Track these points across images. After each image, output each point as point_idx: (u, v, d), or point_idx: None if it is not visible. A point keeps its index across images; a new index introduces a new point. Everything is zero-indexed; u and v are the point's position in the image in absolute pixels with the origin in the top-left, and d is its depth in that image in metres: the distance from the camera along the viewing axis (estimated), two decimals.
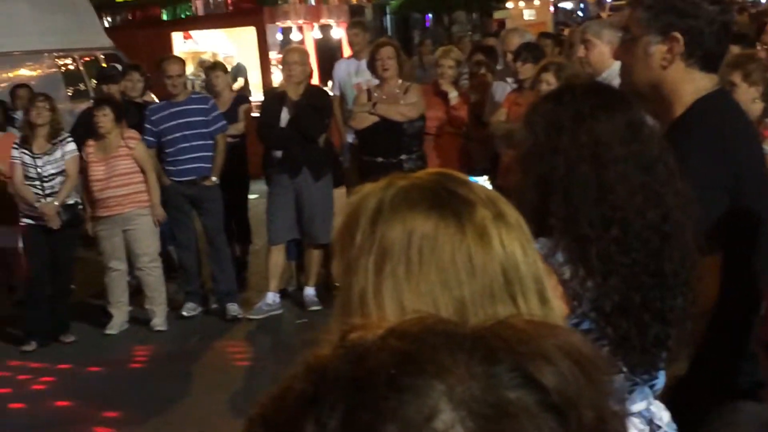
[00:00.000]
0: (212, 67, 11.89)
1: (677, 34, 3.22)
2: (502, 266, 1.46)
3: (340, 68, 11.65)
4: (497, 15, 39.01)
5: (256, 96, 15.41)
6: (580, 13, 50.80)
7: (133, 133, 9.76)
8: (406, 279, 1.45)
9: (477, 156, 9.74)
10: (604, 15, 36.22)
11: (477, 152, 9.77)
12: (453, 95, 9.89)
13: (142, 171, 9.60)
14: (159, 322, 9.76)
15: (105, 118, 9.53)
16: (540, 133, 2.65)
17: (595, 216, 2.55)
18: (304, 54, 10.27)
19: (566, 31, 23.80)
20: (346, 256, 1.52)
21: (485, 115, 9.49)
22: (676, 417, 2.70)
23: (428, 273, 1.45)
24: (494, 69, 10.72)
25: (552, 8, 43.48)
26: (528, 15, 37.58)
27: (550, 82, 7.21)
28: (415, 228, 1.47)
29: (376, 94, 9.67)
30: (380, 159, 9.37)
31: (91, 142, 9.63)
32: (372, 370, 0.84)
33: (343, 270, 1.52)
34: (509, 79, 9.34)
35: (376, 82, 9.79)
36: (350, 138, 10.42)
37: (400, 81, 9.76)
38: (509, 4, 40.25)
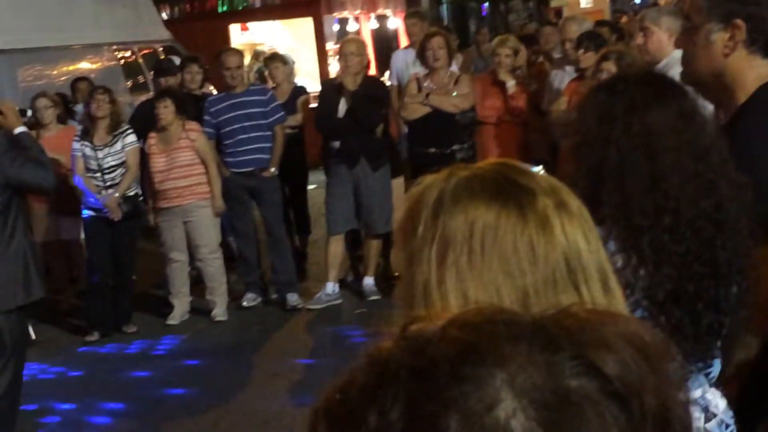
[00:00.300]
0: (271, 58, 11.92)
1: (739, 22, 3.18)
2: (565, 255, 1.46)
3: (398, 58, 11.66)
4: (554, 3, 38.74)
5: (314, 87, 15.44)
6: (637, 1, 50.32)
7: (194, 125, 9.81)
8: (468, 269, 1.45)
9: (536, 146, 9.69)
10: (661, 2, 35.85)
11: (536, 142, 9.72)
12: (510, 84, 9.84)
13: (203, 163, 9.66)
14: (219, 312, 9.83)
15: (166, 110, 9.60)
16: (593, 123, 2.65)
17: (648, 205, 2.53)
18: (361, 45, 10.28)
19: (623, 19, 23.61)
20: (408, 247, 1.52)
21: (544, 105, 9.44)
22: (737, 404, 2.68)
23: (491, 262, 1.45)
24: (552, 58, 10.67)
25: None
26: (585, 3, 37.23)
27: (610, 70, 7.15)
28: (477, 218, 1.47)
29: (426, 84, 9.66)
30: (432, 150, 9.37)
31: (152, 134, 9.70)
32: (433, 361, 0.85)
33: (406, 261, 1.52)
34: (568, 68, 9.28)
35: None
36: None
37: (450, 71, 9.74)
38: None
